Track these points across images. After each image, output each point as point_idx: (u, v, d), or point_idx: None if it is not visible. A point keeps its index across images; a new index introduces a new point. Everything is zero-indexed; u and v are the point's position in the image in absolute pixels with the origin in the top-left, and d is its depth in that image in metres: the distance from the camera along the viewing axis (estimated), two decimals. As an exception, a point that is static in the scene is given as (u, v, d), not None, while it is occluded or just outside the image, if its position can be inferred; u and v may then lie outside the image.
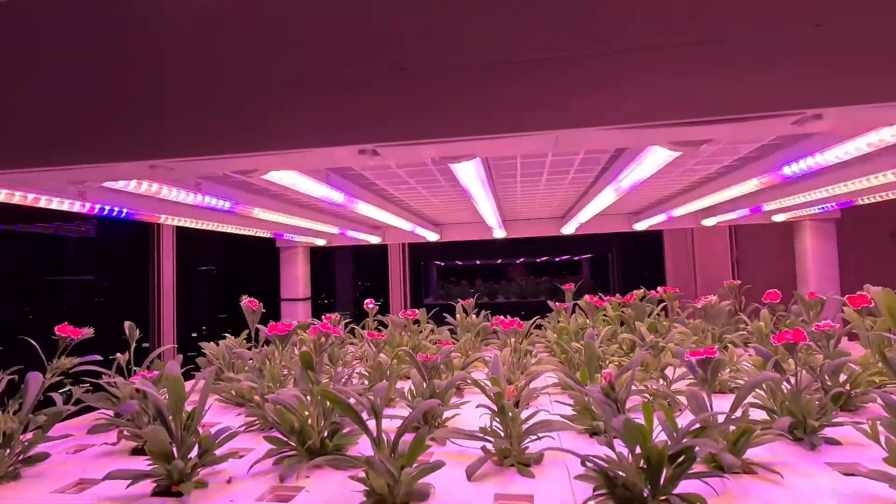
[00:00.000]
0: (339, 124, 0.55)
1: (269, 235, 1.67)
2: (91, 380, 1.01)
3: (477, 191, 0.96)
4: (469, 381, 1.12)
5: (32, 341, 0.86)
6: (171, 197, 0.91)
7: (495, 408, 0.79)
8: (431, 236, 1.82)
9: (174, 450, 0.70)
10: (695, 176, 1.32)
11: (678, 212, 1.50)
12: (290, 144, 0.55)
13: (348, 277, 5.40)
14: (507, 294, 5.23)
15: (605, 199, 1.14)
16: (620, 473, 0.61)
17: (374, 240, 1.93)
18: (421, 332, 1.62)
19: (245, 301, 1.22)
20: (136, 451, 0.89)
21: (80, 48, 0.60)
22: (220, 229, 1.39)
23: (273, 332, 1.04)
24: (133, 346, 1.09)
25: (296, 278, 2.04)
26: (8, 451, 0.78)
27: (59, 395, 0.91)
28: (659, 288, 1.50)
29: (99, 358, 0.93)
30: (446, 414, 0.99)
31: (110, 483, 0.74)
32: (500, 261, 5.56)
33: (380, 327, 1.53)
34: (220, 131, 0.57)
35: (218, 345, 1.31)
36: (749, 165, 1.15)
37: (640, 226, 1.86)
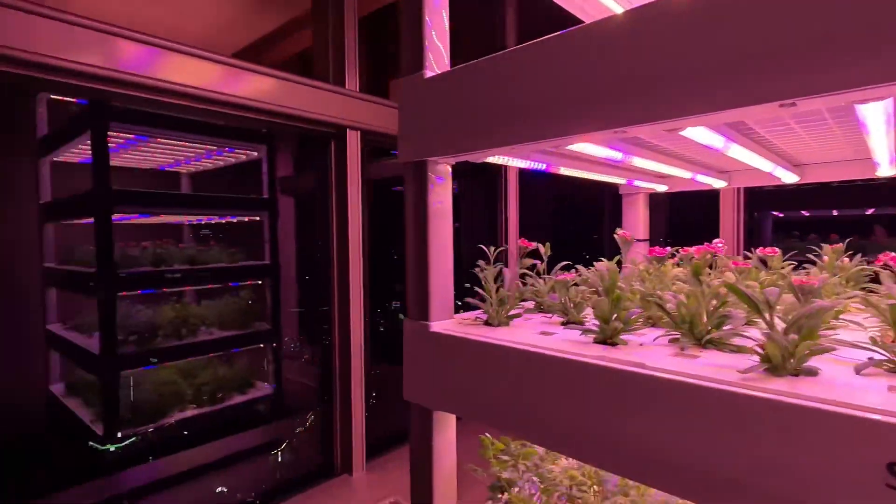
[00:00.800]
0: (765, 83, 0.76)
1: (622, 181, 1.98)
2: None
3: (875, 124, 0.99)
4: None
5: (487, 249, 1.41)
6: (587, 152, 1.30)
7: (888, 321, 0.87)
8: (789, 177, 1.76)
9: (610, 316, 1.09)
10: None
11: None
12: (722, 106, 0.80)
13: (660, 228, 5.35)
14: (877, 252, 4.16)
15: None
16: None
17: (720, 184, 1.99)
18: (774, 274, 1.65)
19: (620, 233, 1.56)
20: (564, 324, 1.35)
21: (578, 56, 0.99)
22: (590, 177, 1.77)
23: (653, 255, 1.35)
24: (545, 259, 1.58)
25: (637, 221, 2.32)
26: (502, 309, 1.35)
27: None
28: None
29: (537, 262, 1.44)
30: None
31: (564, 332, 1.20)
32: (870, 211, 4.42)
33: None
34: (668, 102, 0.86)
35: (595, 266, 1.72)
36: None
37: None
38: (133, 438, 3.70)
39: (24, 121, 4.22)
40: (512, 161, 1.41)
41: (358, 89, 3.08)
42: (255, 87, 2.69)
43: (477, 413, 1.20)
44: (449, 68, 1.32)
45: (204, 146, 4.38)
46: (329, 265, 3.23)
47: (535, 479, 1.47)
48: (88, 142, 3.66)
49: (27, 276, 4.26)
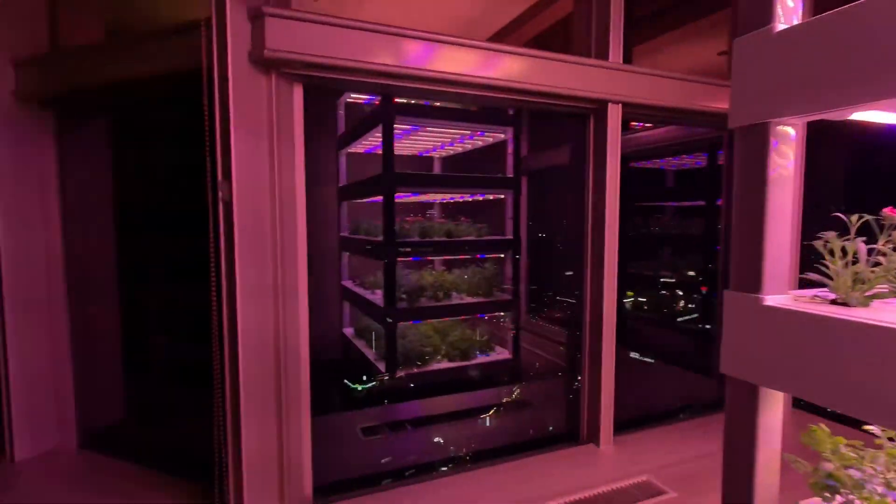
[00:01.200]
0: None
1: None
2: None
3: None
4: None
5: (847, 218, 1.23)
6: None
7: None
8: None
9: None
10: None
11: None
12: None
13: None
14: None
15: None
16: None
17: None
18: None
19: None
20: None
21: None
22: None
23: None
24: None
25: None
26: (857, 288, 1.19)
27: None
28: None
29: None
30: None
31: (972, 320, 0.99)
32: None
33: None
34: None
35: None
36: None
37: None
38: (403, 377, 4.50)
39: (330, 121, 5.43)
40: (880, 115, 1.21)
41: (622, 60, 3.01)
42: (518, 67, 2.86)
43: (828, 398, 1.10)
44: (801, 20, 1.19)
45: (459, 132, 4.91)
46: (583, 243, 3.30)
47: (879, 486, 1.28)
48: (377, 134, 4.49)
49: (331, 244, 5.53)
